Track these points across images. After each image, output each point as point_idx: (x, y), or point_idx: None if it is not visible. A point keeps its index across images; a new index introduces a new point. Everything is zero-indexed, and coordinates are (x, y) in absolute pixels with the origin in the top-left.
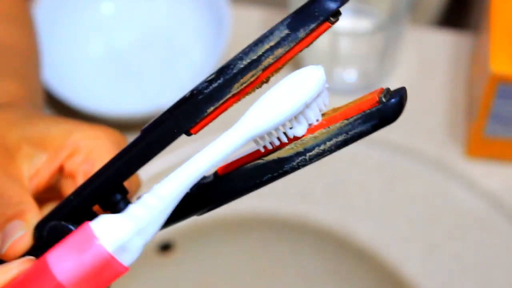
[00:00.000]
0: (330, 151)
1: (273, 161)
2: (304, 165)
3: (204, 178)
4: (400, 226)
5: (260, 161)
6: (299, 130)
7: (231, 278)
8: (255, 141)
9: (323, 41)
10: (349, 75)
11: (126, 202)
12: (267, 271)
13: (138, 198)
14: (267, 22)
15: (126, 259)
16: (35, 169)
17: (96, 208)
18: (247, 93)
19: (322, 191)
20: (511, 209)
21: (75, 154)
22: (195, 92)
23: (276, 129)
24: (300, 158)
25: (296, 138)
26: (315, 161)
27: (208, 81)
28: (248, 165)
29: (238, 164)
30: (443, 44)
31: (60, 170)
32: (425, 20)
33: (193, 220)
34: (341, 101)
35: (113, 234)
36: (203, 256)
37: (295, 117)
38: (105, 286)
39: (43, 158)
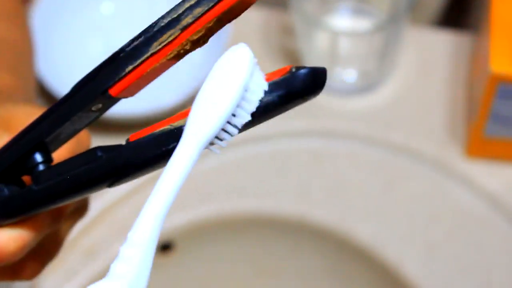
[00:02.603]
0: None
1: (180, 127)
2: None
3: (117, 146)
4: (400, 226)
5: (168, 127)
6: (250, 107)
7: (231, 278)
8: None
9: (323, 41)
10: (349, 75)
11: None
12: (267, 271)
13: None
14: (267, 22)
15: None
16: None
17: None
18: (168, 55)
19: (322, 191)
20: (511, 209)
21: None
22: (119, 50)
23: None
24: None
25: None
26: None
27: (132, 40)
28: (157, 131)
29: (150, 131)
30: (443, 44)
31: None
32: (425, 20)
33: (193, 220)
34: (341, 101)
35: None
36: (203, 256)
37: (238, 105)
38: None
39: (5, 137)
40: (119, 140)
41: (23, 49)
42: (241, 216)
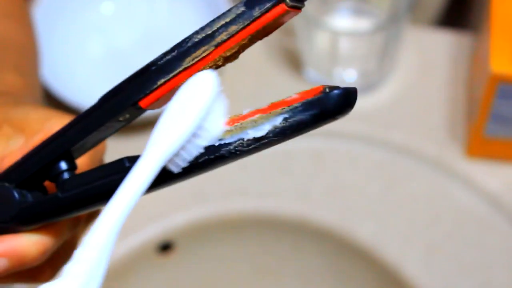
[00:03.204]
0: (268, 138)
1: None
2: (241, 151)
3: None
4: (400, 226)
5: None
6: (214, 130)
7: (231, 278)
8: (172, 159)
9: (323, 41)
10: (349, 75)
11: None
12: (267, 271)
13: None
14: None
15: None
16: (9, 150)
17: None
18: (201, 70)
19: (322, 191)
20: (511, 209)
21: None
22: (150, 63)
23: (188, 141)
24: (237, 142)
25: (234, 120)
26: (253, 148)
27: (164, 54)
28: None
29: None
30: (443, 44)
31: None
32: (425, 20)
33: (193, 220)
34: None
35: None
36: (203, 256)
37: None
38: None
39: (20, 140)
40: (121, 140)
41: (29, 49)
42: (241, 216)
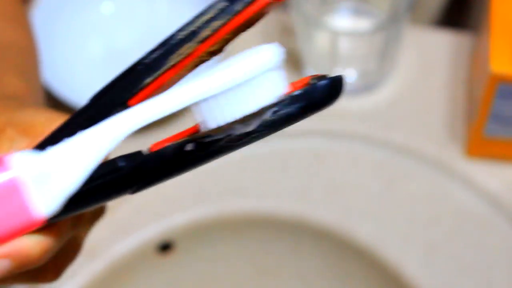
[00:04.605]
0: (259, 131)
1: (202, 137)
2: (231, 146)
3: (138, 153)
4: (400, 226)
5: (188, 138)
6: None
7: (231, 278)
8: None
9: (323, 41)
10: (349, 75)
11: None
12: (267, 271)
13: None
14: (266, 22)
15: (44, 199)
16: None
17: None
18: (186, 67)
19: (322, 191)
20: (511, 209)
21: None
22: (137, 62)
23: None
24: (227, 137)
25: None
26: (244, 142)
27: (149, 52)
28: (179, 141)
29: (170, 141)
30: (443, 44)
31: None
32: (425, 20)
33: (193, 220)
34: (341, 101)
35: (27, 158)
36: (203, 256)
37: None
38: (11, 232)
39: (24, 143)
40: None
41: (30, 52)
42: (241, 216)
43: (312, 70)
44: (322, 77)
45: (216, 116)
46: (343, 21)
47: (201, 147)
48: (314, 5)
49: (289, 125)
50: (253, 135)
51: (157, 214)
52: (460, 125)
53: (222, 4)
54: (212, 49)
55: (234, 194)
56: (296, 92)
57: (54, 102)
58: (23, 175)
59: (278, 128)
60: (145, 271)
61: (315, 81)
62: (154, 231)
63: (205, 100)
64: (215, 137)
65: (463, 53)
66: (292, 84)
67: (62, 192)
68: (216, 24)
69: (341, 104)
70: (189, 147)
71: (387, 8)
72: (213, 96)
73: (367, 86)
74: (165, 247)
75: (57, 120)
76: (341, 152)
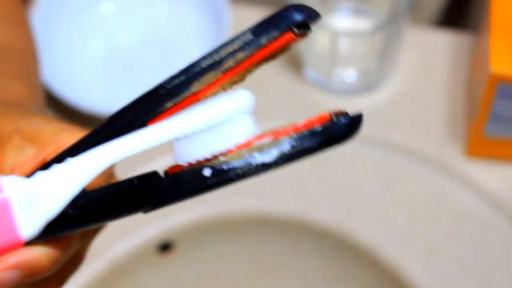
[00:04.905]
0: (276, 163)
1: (218, 166)
2: (249, 174)
3: (154, 174)
4: (400, 226)
5: (206, 163)
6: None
7: (231, 278)
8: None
9: (323, 41)
10: (349, 75)
11: None
12: (267, 271)
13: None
14: None
15: (28, 218)
16: (20, 161)
17: None
18: (207, 94)
19: (322, 191)
20: (511, 209)
21: (59, 151)
22: (159, 86)
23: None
24: (245, 167)
25: (239, 147)
26: (260, 172)
27: (172, 77)
28: (196, 165)
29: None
30: (443, 44)
31: None
32: (425, 20)
33: (193, 220)
34: (341, 101)
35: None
36: (203, 256)
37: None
38: None
39: (31, 152)
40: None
41: (31, 56)
42: (241, 216)
43: (312, 70)
44: (342, 114)
45: (192, 152)
46: (343, 21)
47: (219, 173)
48: (314, 5)
49: (305, 158)
50: (271, 167)
51: (157, 214)
52: (460, 125)
53: (248, 37)
54: (234, 79)
55: (234, 194)
56: (317, 128)
57: (54, 102)
58: (11, 197)
59: (295, 160)
60: (145, 271)
61: (335, 118)
62: (154, 231)
63: (182, 137)
64: (234, 165)
65: (463, 53)
66: (313, 118)
67: (43, 216)
68: (240, 56)
69: (341, 104)
70: (206, 172)
71: (387, 8)
72: (188, 135)
73: (367, 86)
74: (165, 247)
75: (64, 130)
76: (341, 152)
